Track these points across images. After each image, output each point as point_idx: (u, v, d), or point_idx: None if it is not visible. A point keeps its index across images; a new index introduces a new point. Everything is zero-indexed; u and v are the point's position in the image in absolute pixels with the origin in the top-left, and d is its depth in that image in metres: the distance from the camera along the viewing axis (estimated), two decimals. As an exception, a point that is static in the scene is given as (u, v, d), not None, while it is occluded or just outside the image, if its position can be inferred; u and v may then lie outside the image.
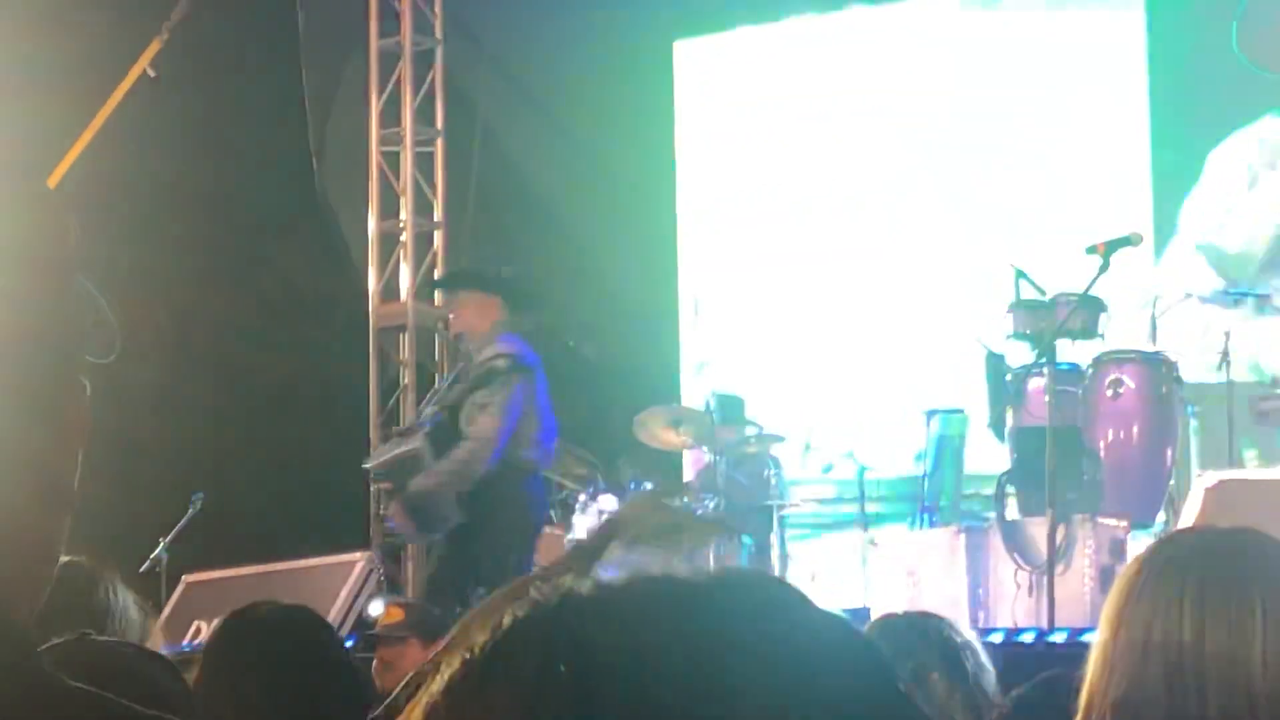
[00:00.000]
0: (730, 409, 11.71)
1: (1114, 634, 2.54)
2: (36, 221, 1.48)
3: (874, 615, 5.90)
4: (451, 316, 10.11)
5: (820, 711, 1.07)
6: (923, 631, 3.95)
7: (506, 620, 1.12)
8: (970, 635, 4.16)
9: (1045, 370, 9.19)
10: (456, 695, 1.10)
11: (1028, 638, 8.52)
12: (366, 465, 10.21)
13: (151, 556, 10.87)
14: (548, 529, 10.98)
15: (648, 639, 1.08)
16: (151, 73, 12.58)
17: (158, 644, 3.88)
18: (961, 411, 10.71)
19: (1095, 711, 2.52)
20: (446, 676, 1.12)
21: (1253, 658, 2.46)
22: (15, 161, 10.94)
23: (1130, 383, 9.62)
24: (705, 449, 11.53)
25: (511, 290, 10.12)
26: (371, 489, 13.18)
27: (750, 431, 11.63)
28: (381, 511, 9.94)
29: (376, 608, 9.65)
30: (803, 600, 1.13)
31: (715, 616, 1.10)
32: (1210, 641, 2.46)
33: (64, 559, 3.75)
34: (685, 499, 10.82)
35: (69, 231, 1.49)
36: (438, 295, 13.20)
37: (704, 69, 14.17)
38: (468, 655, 1.11)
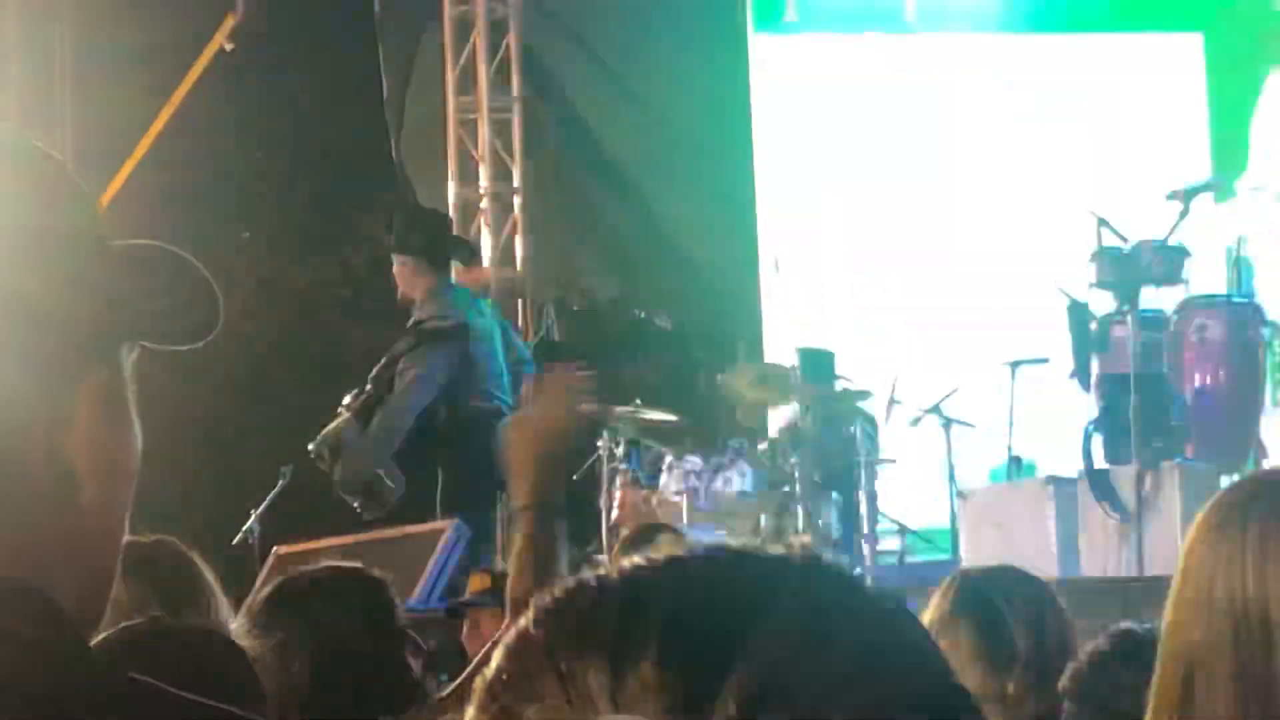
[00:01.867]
0: (818, 364, 11.69)
1: (1181, 587, 2.54)
2: (52, 200, 1.43)
3: (961, 567, 5.90)
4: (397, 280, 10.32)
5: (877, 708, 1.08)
6: (1004, 586, 3.94)
7: (579, 588, 1.14)
8: (1054, 588, 4.15)
9: (1129, 318, 9.14)
10: (527, 662, 1.12)
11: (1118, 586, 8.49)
12: (310, 446, 10.31)
13: (244, 529, 10.96)
14: (638, 491, 11.01)
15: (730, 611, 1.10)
16: (228, 46, 12.65)
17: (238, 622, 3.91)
18: (1047, 360, 10.69)
19: (1168, 666, 2.52)
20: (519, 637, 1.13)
21: None
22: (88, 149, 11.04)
23: (1216, 327, 9.55)
24: (793, 405, 11.51)
25: (426, 250, 10.19)
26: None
27: (838, 386, 11.60)
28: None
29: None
30: (859, 584, 1.15)
31: (794, 599, 1.11)
32: (1274, 587, 2.46)
33: (152, 538, 3.76)
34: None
35: (86, 207, 1.46)
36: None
37: (782, 53, 14.13)
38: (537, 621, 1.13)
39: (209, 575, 3.89)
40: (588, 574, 1.15)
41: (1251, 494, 2.60)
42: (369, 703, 3.85)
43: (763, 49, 14.00)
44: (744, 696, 1.06)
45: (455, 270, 12.28)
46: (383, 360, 10.18)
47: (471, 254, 12.88)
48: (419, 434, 10.17)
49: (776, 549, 1.15)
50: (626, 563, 1.14)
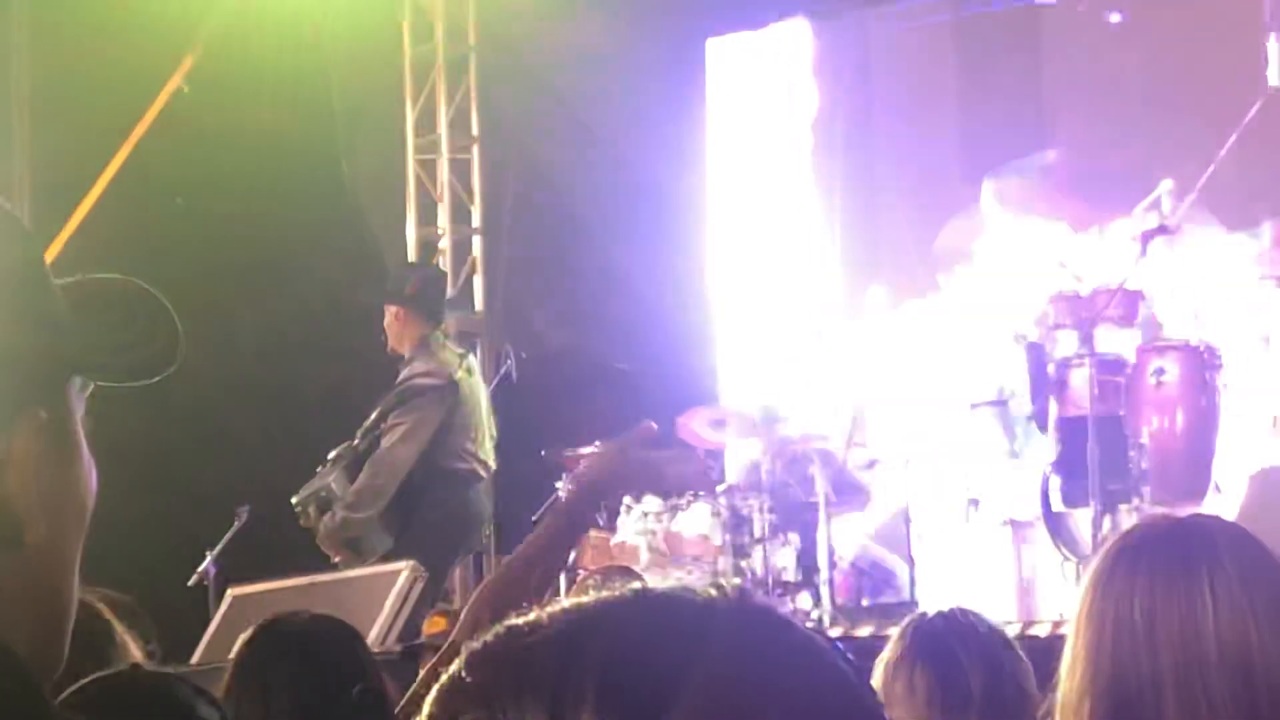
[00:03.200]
0: (768, 416, 11.72)
1: (1077, 632, 2.56)
2: None
3: (920, 609, 5.88)
4: (387, 329, 10.25)
5: None
6: (960, 629, 3.94)
7: (512, 635, 1.13)
8: (1009, 631, 4.16)
9: (1087, 360, 9.18)
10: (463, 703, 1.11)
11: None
12: (294, 500, 10.27)
13: (199, 570, 10.91)
14: (594, 533, 11.00)
15: (662, 660, 1.09)
16: (185, 88, 12.64)
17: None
18: (1005, 404, 10.71)
19: (1067, 706, 2.55)
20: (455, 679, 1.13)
21: (1205, 637, 2.46)
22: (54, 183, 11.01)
23: (1173, 370, 9.59)
24: (751, 447, 11.50)
25: (418, 301, 10.15)
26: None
27: (793, 429, 11.60)
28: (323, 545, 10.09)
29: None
30: (788, 622, 1.15)
31: (725, 641, 1.11)
32: (1163, 629, 2.47)
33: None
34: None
35: (22, 244, 1.42)
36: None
37: (737, 65, 14.16)
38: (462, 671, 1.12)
39: (120, 633, 3.86)
40: (520, 619, 1.14)
41: (1142, 539, 2.62)
42: None
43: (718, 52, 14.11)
44: None
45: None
46: (373, 415, 10.14)
47: (468, 308, 12.91)
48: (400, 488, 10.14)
49: (709, 590, 1.15)
50: (558, 608, 1.14)
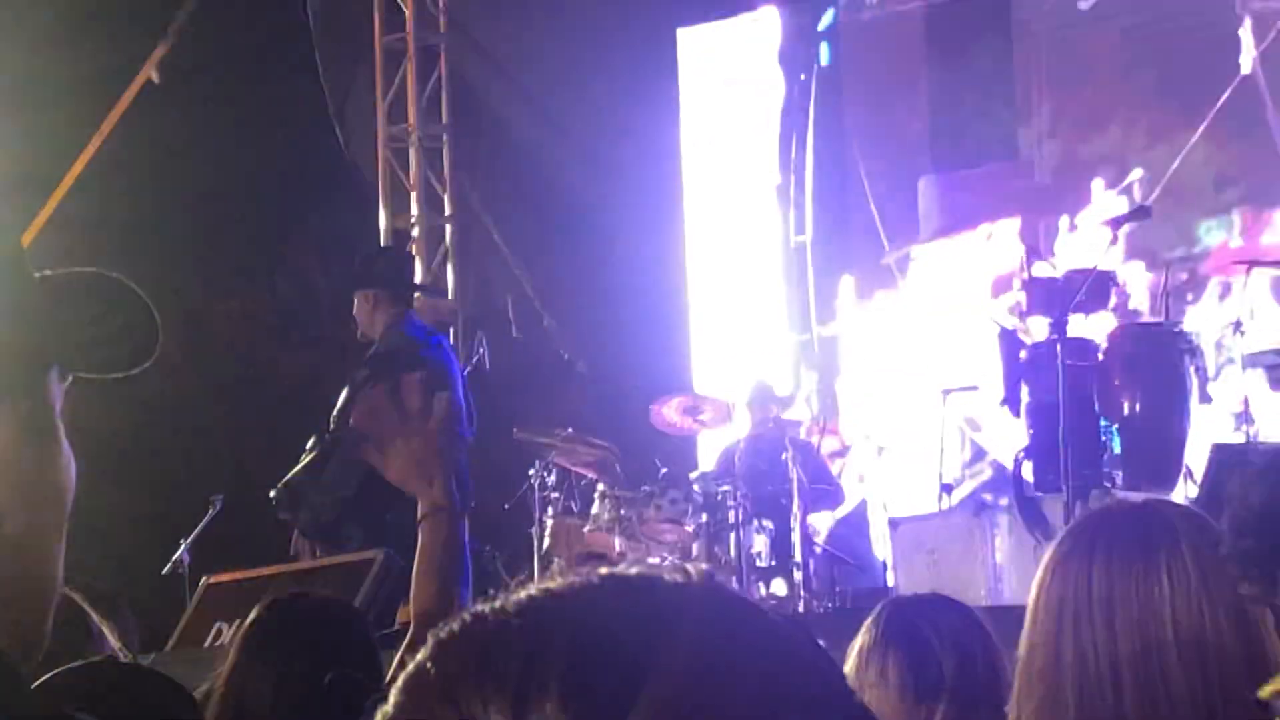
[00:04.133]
0: (759, 394, 11.75)
1: (1034, 619, 2.58)
2: None
3: (892, 594, 5.89)
4: (356, 318, 10.17)
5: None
6: (932, 614, 3.95)
7: (476, 623, 1.12)
8: (983, 616, 4.16)
9: (1058, 346, 9.19)
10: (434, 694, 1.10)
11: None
12: (271, 494, 10.20)
13: (173, 559, 10.91)
14: (569, 519, 11.01)
15: (627, 644, 1.09)
16: (155, 78, 12.60)
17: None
18: (977, 389, 10.73)
19: (1021, 701, 2.56)
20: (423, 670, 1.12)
21: (1163, 623, 2.48)
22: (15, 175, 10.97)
23: (1145, 355, 9.60)
24: (724, 433, 11.52)
25: (384, 283, 10.10)
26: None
27: (773, 414, 11.62)
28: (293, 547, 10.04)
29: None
30: (755, 607, 1.15)
31: (691, 628, 1.11)
32: (1122, 615, 2.49)
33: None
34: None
35: (11, 244, 1.42)
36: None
37: (708, 55, 14.15)
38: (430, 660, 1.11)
39: (96, 621, 3.87)
40: (484, 606, 1.13)
41: (1099, 524, 2.63)
42: None
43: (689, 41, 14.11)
44: None
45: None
46: (342, 395, 10.07)
47: (442, 293, 12.85)
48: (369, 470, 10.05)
49: (674, 576, 1.14)
50: (523, 594, 1.12)
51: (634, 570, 1.15)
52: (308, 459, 10.00)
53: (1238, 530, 2.41)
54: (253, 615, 4.01)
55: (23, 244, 1.43)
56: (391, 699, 1.12)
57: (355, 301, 10.05)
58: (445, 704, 1.08)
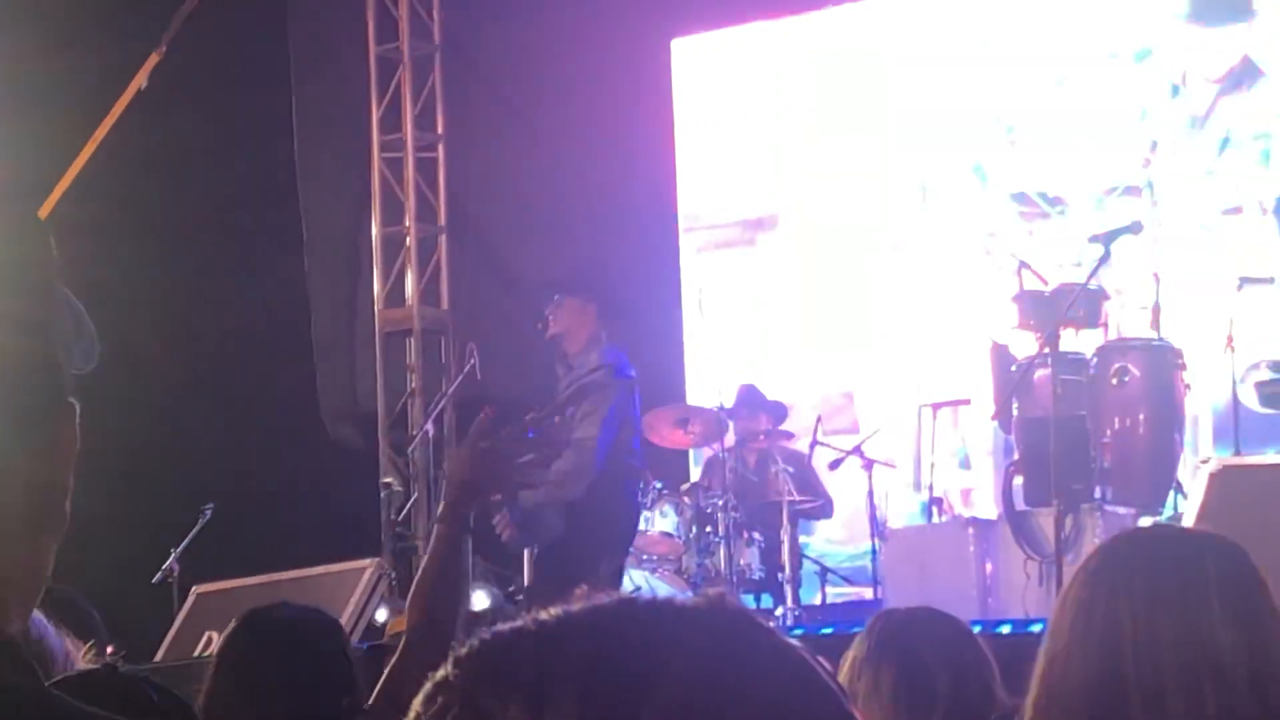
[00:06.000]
0: (751, 399, 11.74)
1: (1057, 631, 2.58)
2: (22, 242, 1.46)
3: (884, 608, 5.89)
4: (549, 317, 10.03)
5: None
6: (926, 627, 3.95)
7: (496, 636, 1.18)
8: (973, 629, 4.17)
9: (1050, 361, 9.19)
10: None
11: (1037, 628, 8.51)
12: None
13: (163, 568, 10.92)
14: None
15: (630, 668, 1.14)
16: (143, 84, 12.59)
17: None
18: (968, 403, 10.74)
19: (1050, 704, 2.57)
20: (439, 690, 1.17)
21: (1208, 643, 2.48)
22: (9, 182, 10.98)
23: (1135, 370, 9.60)
24: (714, 447, 11.50)
25: (607, 299, 10.12)
26: (382, 494, 13.20)
27: (763, 425, 11.62)
28: (495, 526, 9.80)
29: (382, 614, 9.71)
30: (764, 628, 1.19)
31: (700, 645, 1.15)
32: (1165, 631, 2.49)
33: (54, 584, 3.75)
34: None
35: (51, 250, 1.47)
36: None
37: (703, 66, 14.16)
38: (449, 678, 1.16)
39: (98, 620, 3.87)
40: (506, 626, 1.19)
41: (1130, 545, 2.63)
42: None
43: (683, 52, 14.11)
44: None
45: (379, 308, 12.20)
46: (565, 392, 9.92)
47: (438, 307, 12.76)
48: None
49: (685, 597, 1.20)
50: (545, 614, 1.18)
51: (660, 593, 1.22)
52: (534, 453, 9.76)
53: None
54: (229, 628, 4.02)
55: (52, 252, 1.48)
56: (413, 708, 1.16)
57: (555, 305, 9.91)
58: (466, 711, 1.13)
